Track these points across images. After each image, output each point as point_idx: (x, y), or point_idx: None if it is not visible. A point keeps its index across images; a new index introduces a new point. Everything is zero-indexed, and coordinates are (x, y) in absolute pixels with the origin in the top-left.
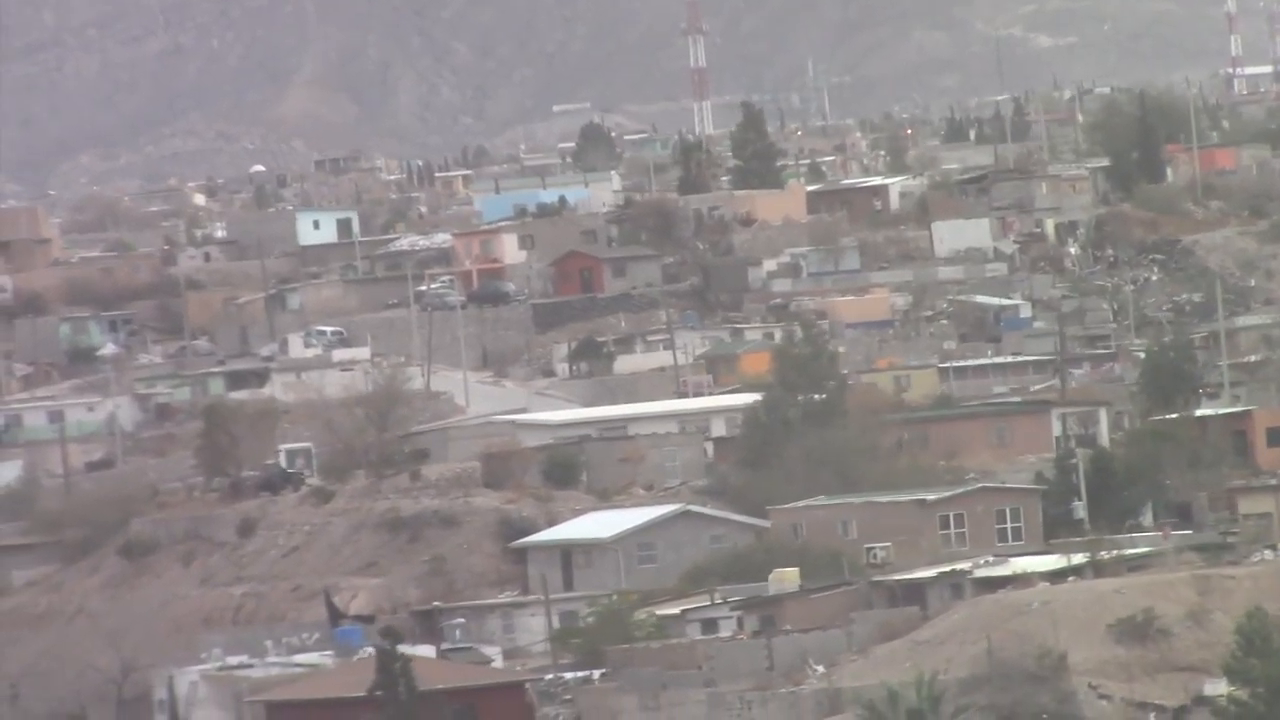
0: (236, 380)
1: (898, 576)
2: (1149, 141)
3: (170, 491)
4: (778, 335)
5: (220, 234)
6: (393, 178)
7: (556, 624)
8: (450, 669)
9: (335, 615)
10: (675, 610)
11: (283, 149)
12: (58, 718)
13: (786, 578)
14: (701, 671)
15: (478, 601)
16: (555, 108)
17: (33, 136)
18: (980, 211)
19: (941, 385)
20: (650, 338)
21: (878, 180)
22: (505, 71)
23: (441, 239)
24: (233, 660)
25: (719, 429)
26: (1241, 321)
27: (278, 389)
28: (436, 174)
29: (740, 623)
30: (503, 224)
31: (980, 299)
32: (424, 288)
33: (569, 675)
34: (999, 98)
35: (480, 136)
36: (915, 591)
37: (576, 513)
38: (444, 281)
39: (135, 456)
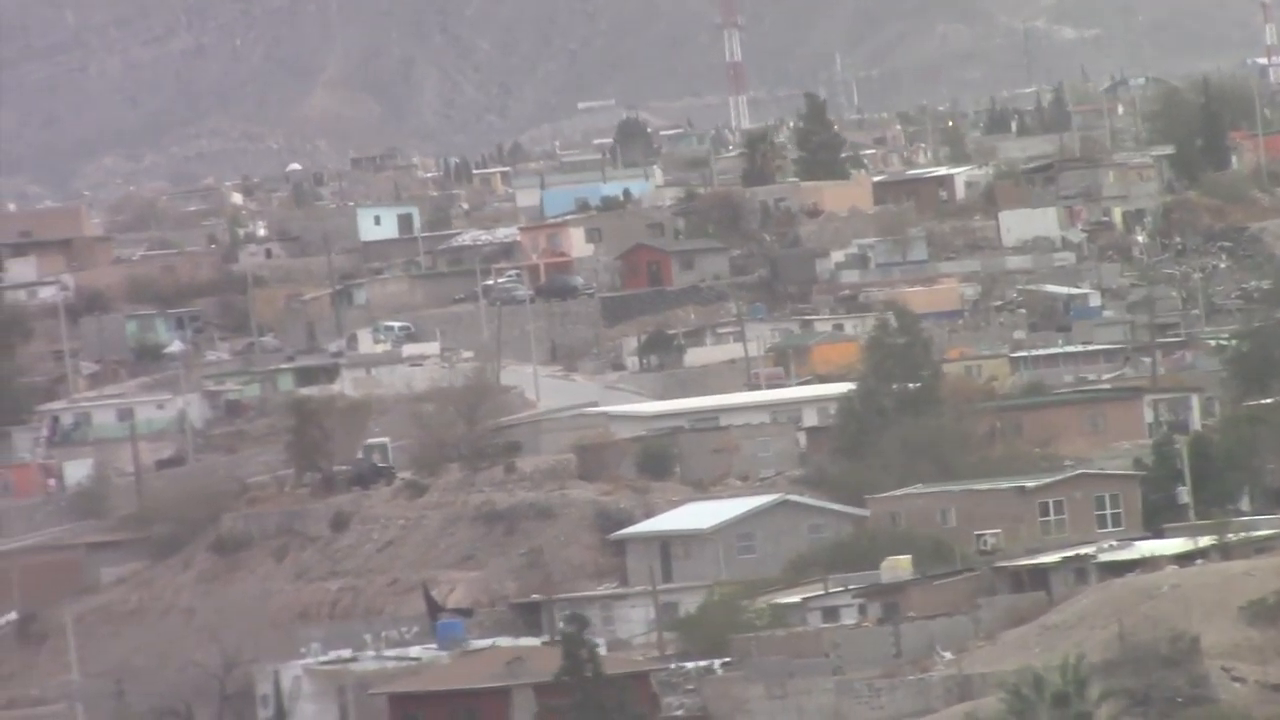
0: (306, 376)
1: (1022, 562)
2: (1214, 129)
3: (260, 487)
4: (849, 326)
5: (262, 231)
6: (429, 175)
7: (655, 616)
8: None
9: (434, 608)
10: (795, 599)
11: (307, 148)
12: (161, 713)
13: (900, 566)
14: (828, 659)
15: (577, 593)
16: (580, 104)
17: (55, 137)
18: (1047, 201)
19: (1012, 375)
20: (720, 330)
21: (943, 170)
22: (529, 68)
23: (504, 233)
24: (335, 654)
25: (810, 419)
26: None
27: (347, 385)
28: (474, 170)
29: (863, 610)
30: (569, 218)
31: (1049, 288)
32: (491, 282)
33: (689, 665)
34: (1027, 89)
35: (505, 134)
36: (1038, 577)
37: (673, 504)
38: (511, 276)
39: (206, 454)
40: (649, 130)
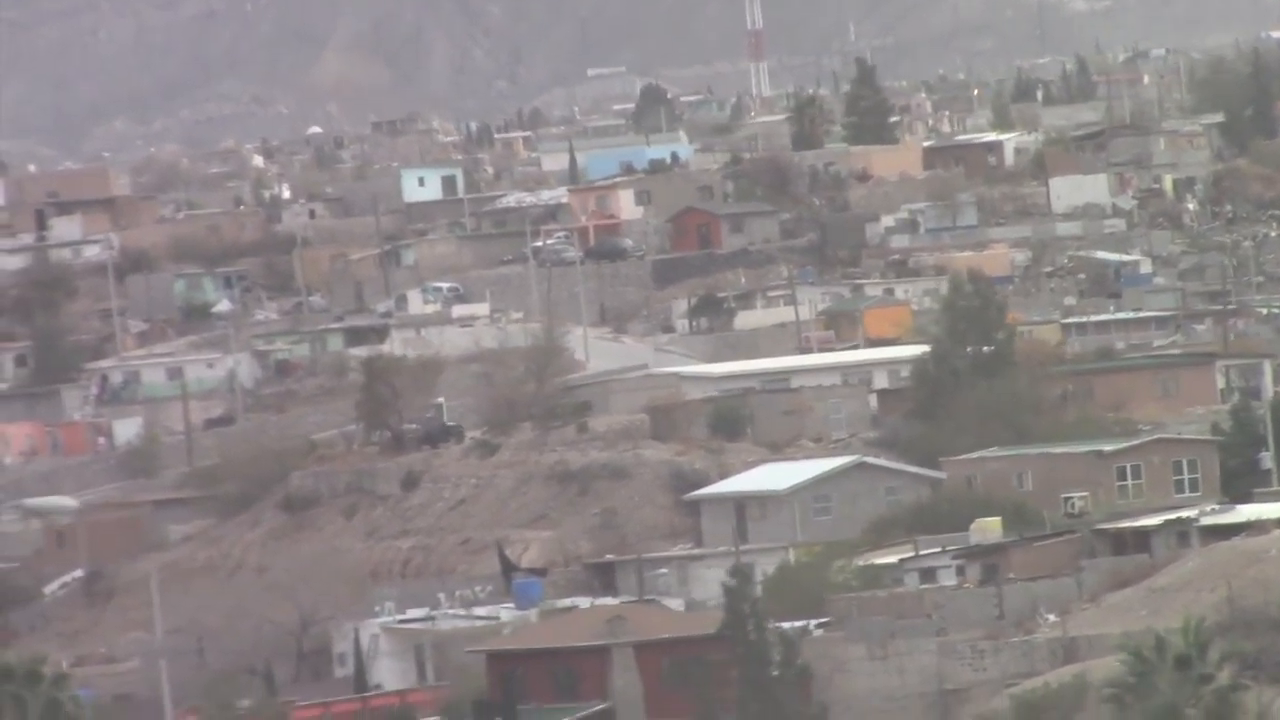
0: (355, 337)
1: (1123, 524)
2: (1264, 98)
3: (328, 445)
4: (899, 291)
5: (286, 193)
6: (450, 139)
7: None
8: (676, 618)
9: (508, 568)
10: (890, 560)
11: (317, 113)
12: (239, 671)
13: (989, 527)
14: (930, 620)
15: (652, 554)
16: (590, 71)
17: (66, 101)
18: (1097, 167)
19: (1064, 341)
20: (770, 293)
21: (992, 136)
22: (539, 34)
23: (549, 196)
24: (412, 613)
25: (881, 381)
26: None
27: (397, 345)
28: (496, 135)
29: (961, 572)
30: (618, 180)
31: (1100, 255)
32: (540, 244)
33: (786, 625)
34: (1041, 60)
35: (515, 100)
36: (1139, 539)
37: (748, 465)
38: (560, 237)
39: (255, 413)
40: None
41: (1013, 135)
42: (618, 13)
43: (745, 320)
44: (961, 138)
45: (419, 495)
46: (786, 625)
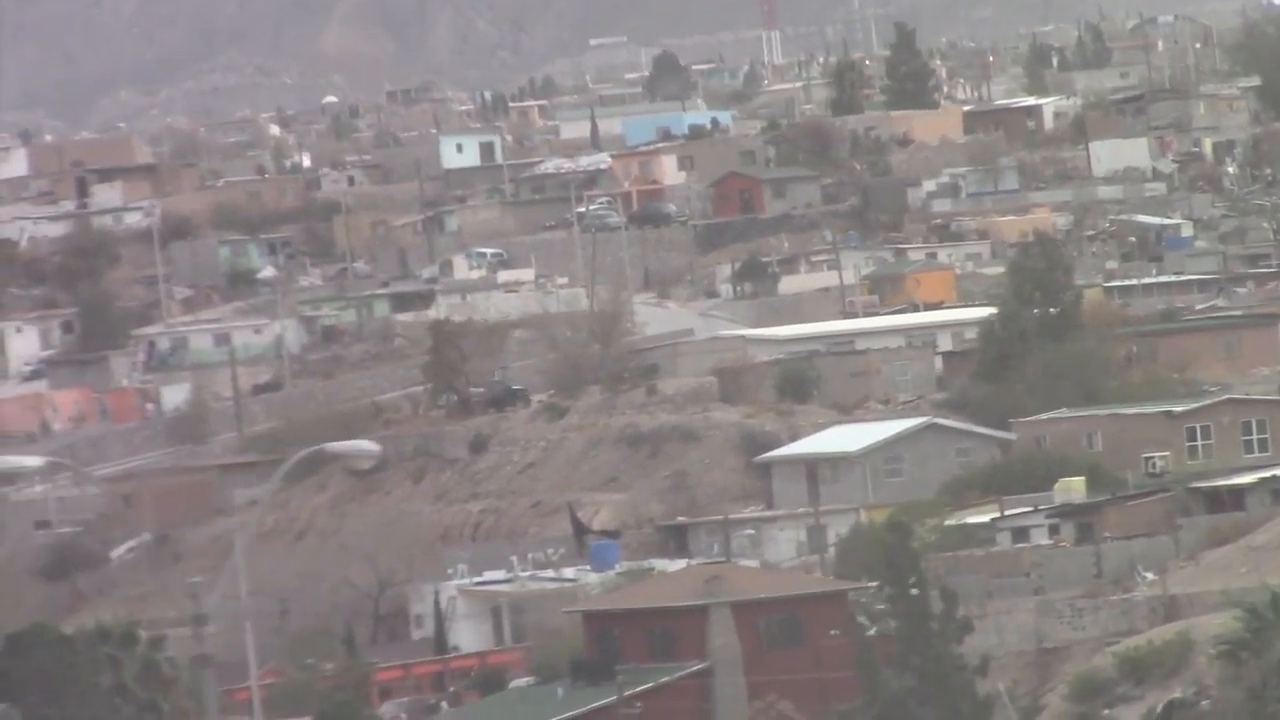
0: (401, 302)
1: (1219, 482)
2: None
3: (394, 409)
4: (942, 255)
5: (306, 162)
6: (464, 108)
7: (804, 538)
8: (773, 578)
9: (580, 530)
10: (982, 519)
11: (321, 83)
12: (318, 634)
13: (1073, 487)
14: (1028, 579)
15: (724, 516)
16: (592, 41)
17: (72, 72)
18: (1137, 131)
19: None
20: (814, 258)
21: (1031, 101)
22: (541, 5)
23: (587, 162)
24: (487, 575)
25: (945, 344)
26: None
27: (443, 310)
28: (510, 104)
29: (1054, 530)
30: (661, 145)
31: (1141, 218)
32: (583, 209)
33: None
34: (1045, 28)
35: (518, 70)
36: (1234, 498)
37: (818, 427)
38: (603, 203)
39: (303, 379)
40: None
41: (1052, 99)
42: None
43: (789, 285)
44: (1000, 102)
45: (488, 458)
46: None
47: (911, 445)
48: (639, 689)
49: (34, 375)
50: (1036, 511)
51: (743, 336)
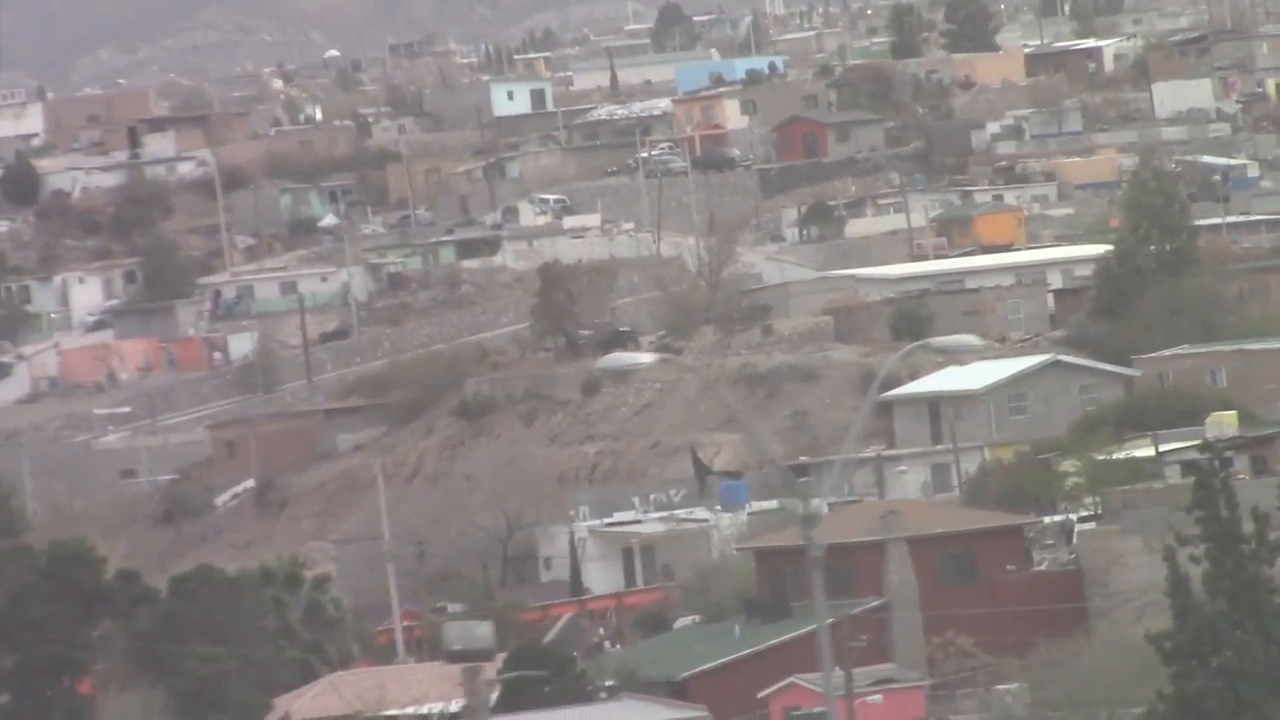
0: (467, 249)
1: None
2: None
3: (500, 351)
4: (1009, 197)
5: (319, 115)
6: (466, 61)
7: (928, 478)
8: (948, 514)
9: (701, 471)
10: (1148, 452)
11: (300, 40)
12: (446, 576)
13: (1226, 421)
14: None
15: (847, 455)
16: None
17: (51, 32)
18: (1200, 72)
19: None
20: (880, 201)
21: (1092, 42)
22: None
23: (639, 108)
24: (617, 516)
25: (1055, 281)
26: None
27: (509, 257)
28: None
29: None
30: (723, 90)
31: (1206, 159)
32: (645, 155)
33: (1047, 519)
34: None
35: (496, 25)
36: None
37: (937, 366)
38: (665, 148)
39: (370, 326)
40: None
41: (1113, 41)
42: None
43: (856, 228)
44: (1060, 44)
45: (601, 400)
46: (1047, 519)
47: (1035, 383)
48: (807, 629)
49: (99, 325)
50: (1207, 445)
51: (853, 276)
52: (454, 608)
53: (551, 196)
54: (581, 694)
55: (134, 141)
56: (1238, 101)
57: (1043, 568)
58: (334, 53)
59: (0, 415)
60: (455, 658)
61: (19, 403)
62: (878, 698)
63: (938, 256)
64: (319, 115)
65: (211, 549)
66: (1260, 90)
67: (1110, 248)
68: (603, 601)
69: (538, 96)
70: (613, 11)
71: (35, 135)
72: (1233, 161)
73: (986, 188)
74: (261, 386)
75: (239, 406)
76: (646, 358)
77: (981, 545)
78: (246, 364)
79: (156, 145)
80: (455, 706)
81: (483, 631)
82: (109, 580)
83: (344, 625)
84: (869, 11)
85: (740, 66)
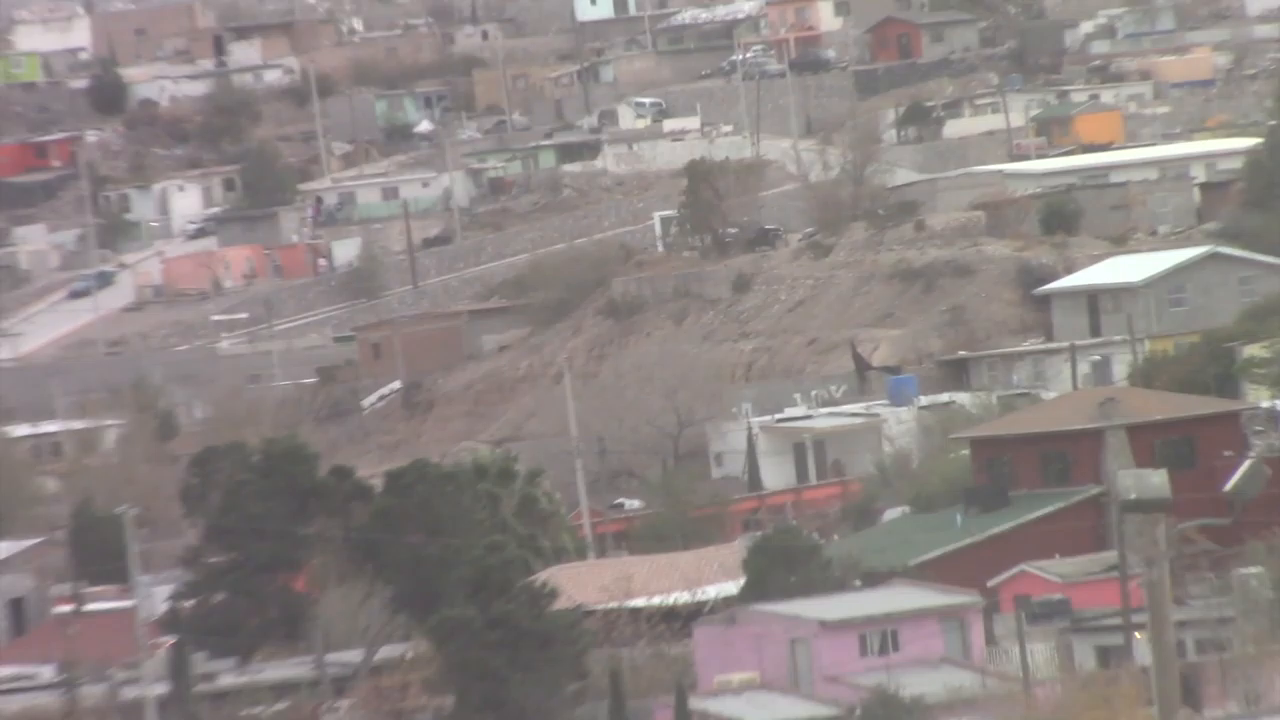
0: (567, 153)
1: None
2: None
3: (644, 250)
4: (1105, 95)
5: (358, 25)
6: None
7: (1087, 370)
8: (1165, 400)
9: (862, 366)
10: None
11: None
12: (618, 474)
13: None
14: None
15: (1004, 349)
16: None
17: None
18: None
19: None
20: (977, 101)
21: None
22: None
23: (723, 11)
24: (788, 412)
25: (1199, 175)
26: None
27: (609, 160)
28: None
29: None
30: None
31: None
32: (739, 57)
33: (1264, 405)
34: None
35: None
36: None
37: (1092, 259)
38: (758, 50)
39: (472, 231)
40: None
41: None
42: None
43: (954, 129)
44: None
45: (752, 298)
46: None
47: (1193, 275)
48: (1036, 514)
49: (200, 233)
50: None
51: (1000, 171)
52: (631, 503)
53: (648, 100)
54: (829, 582)
55: (220, 50)
56: None
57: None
58: None
59: (107, 324)
60: (1129, 507)
61: (125, 311)
62: None
63: (1039, 156)
64: (358, 25)
65: (360, 450)
66: None
67: (1260, 140)
68: (780, 497)
69: (620, 0)
70: None
71: (83, 49)
72: None
73: (1083, 87)
74: (366, 292)
75: (347, 312)
76: None
77: (1200, 431)
78: (351, 270)
79: (242, 53)
80: (700, 594)
81: (1158, 480)
82: (323, 477)
83: (557, 520)
84: None
85: None
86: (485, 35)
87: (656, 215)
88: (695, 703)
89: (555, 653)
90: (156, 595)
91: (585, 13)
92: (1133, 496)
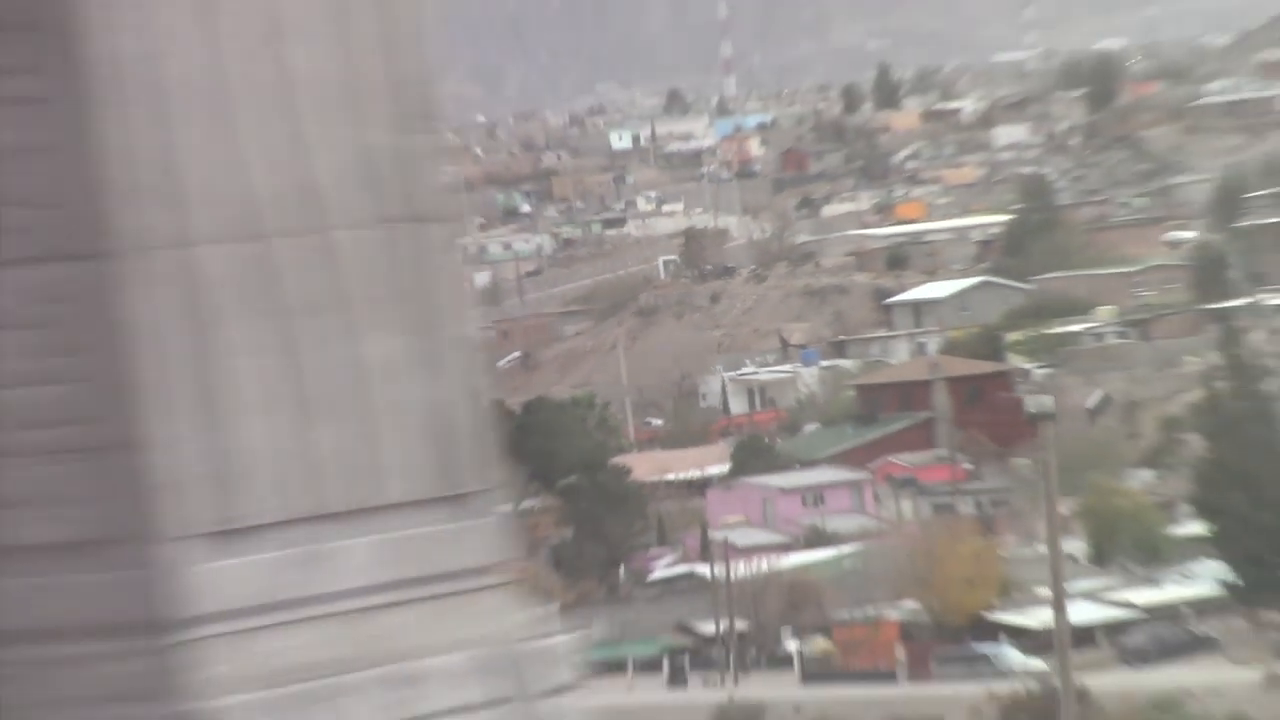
0: (608, 224)
1: None
2: None
3: (657, 280)
4: (913, 192)
5: None
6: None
7: (915, 348)
8: (964, 364)
9: (785, 345)
10: None
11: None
12: (649, 405)
13: None
14: None
15: (867, 335)
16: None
17: None
18: None
19: None
20: (842, 195)
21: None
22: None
23: (695, 143)
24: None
25: (975, 235)
26: None
27: (632, 229)
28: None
29: None
30: (747, 133)
31: None
32: (705, 170)
33: None
34: None
35: (557, 100)
36: None
37: (916, 284)
38: (716, 166)
39: (553, 269)
40: None
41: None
42: None
43: (829, 211)
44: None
45: (721, 306)
46: None
47: (974, 294)
48: (894, 428)
49: None
50: None
51: (861, 234)
52: (656, 422)
53: (653, 194)
54: (780, 465)
55: None
56: None
57: None
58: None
59: None
60: (1033, 419)
61: None
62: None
63: (878, 226)
64: (481, 153)
65: (495, 395)
66: None
67: (1009, 216)
68: (741, 419)
69: (635, 139)
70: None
71: None
72: None
73: (902, 187)
74: (493, 301)
75: (482, 314)
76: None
77: (984, 383)
78: (484, 290)
79: None
80: (705, 472)
81: (1047, 401)
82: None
83: (617, 431)
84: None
85: (750, 120)
86: (559, 157)
87: (661, 259)
88: (710, 535)
89: (629, 505)
90: None
91: (616, 144)
92: (1033, 410)
